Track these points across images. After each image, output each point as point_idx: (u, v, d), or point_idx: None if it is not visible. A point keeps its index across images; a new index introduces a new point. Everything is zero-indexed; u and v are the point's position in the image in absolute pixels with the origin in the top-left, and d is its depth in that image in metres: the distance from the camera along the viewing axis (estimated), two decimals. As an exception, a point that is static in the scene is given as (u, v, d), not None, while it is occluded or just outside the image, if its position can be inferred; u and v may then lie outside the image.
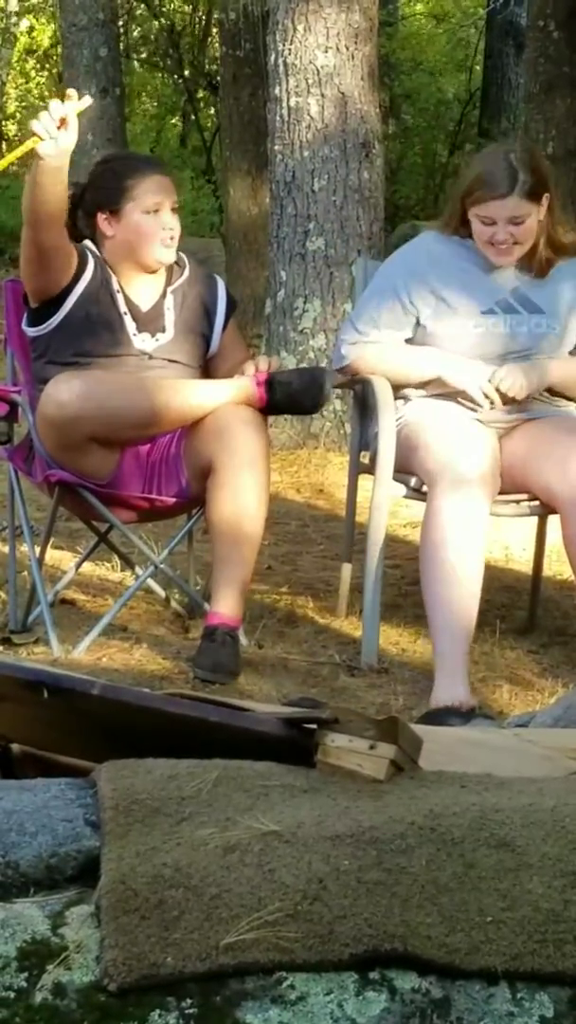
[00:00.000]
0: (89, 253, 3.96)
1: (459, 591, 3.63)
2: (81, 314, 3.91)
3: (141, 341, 3.94)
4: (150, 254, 3.93)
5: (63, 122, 3.58)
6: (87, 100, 3.64)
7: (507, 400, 3.90)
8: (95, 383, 3.83)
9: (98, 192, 3.97)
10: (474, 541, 3.68)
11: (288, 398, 3.90)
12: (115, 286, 3.95)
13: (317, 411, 4.03)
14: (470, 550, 3.66)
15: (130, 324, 3.94)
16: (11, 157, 4.10)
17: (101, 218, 3.95)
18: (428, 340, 3.97)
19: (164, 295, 4.00)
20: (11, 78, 19.96)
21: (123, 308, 3.94)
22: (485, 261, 3.95)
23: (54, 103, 3.60)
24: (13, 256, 14.74)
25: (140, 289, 3.98)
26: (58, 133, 3.58)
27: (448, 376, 3.92)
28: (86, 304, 3.92)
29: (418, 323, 3.98)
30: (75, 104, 3.59)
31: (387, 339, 4.00)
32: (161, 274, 4.01)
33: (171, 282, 4.02)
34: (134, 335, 3.94)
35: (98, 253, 3.98)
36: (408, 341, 4.01)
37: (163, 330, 3.97)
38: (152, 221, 3.92)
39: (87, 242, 3.98)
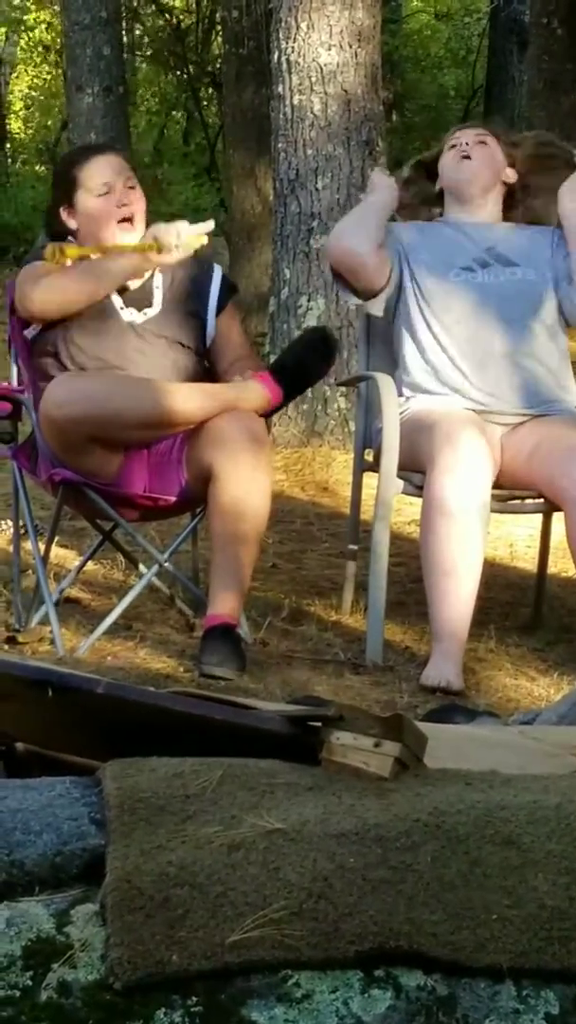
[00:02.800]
0: None
1: (459, 573, 3.69)
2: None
3: (129, 315, 3.98)
4: (111, 238, 3.97)
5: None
6: (208, 226, 3.96)
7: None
8: (96, 384, 3.84)
9: (56, 190, 4.08)
10: (475, 512, 3.73)
11: (298, 377, 3.93)
12: None
13: (328, 371, 4.09)
14: (472, 521, 3.73)
15: (116, 300, 3.98)
16: (125, 247, 3.96)
17: (64, 215, 4.01)
18: (409, 299, 4.09)
19: (153, 275, 4.04)
20: (19, 73, 19.95)
21: None
22: (459, 228, 4.15)
23: (184, 224, 3.91)
24: (17, 255, 14.76)
25: None
26: (176, 251, 3.88)
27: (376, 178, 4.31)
28: None
29: (400, 286, 4.11)
30: (201, 228, 3.92)
31: None
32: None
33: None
34: (121, 309, 3.97)
35: None
36: (395, 307, 4.14)
37: (150, 304, 3.99)
38: (104, 203, 3.96)
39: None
